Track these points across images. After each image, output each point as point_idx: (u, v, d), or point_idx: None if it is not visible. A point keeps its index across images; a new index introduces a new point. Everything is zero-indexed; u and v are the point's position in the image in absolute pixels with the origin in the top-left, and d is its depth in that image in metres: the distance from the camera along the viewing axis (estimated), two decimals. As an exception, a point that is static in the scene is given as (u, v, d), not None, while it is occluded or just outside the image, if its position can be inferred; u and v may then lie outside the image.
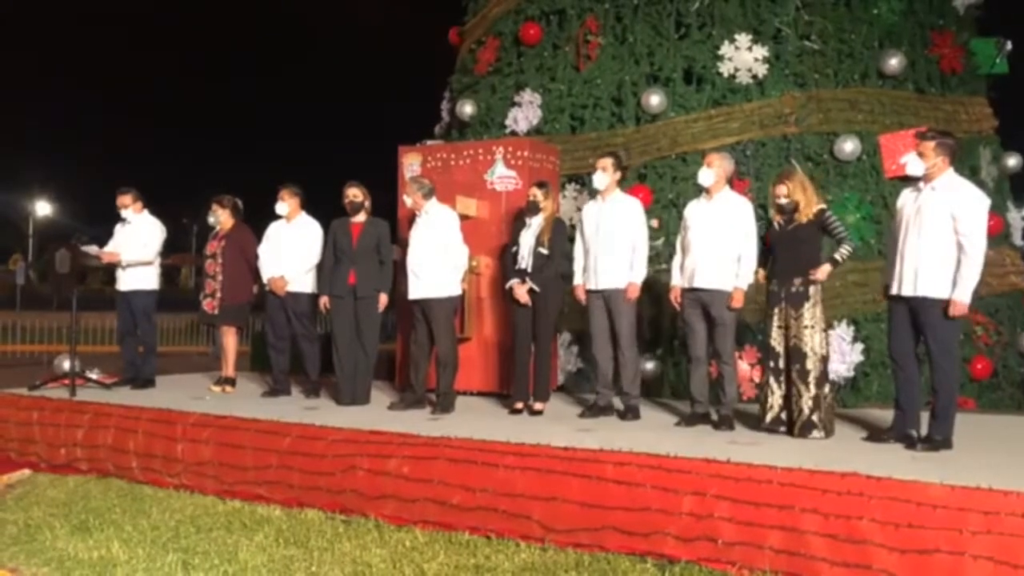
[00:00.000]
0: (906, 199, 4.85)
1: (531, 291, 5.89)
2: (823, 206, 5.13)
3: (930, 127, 5.39)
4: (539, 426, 5.28)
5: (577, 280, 5.91)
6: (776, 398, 5.06)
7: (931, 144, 4.67)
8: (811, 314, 4.99)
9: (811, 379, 4.94)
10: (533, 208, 5.99)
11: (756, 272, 5.34)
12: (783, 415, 5.05)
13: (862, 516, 3.63)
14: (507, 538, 4.37)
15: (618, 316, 5.70)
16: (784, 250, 5.12)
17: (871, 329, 6.76)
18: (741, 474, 3.97)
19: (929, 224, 4.61)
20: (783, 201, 5.11)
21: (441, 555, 4.18)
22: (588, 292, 5.82)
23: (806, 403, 4.93)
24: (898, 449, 4.61)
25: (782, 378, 5.05)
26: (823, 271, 4.99)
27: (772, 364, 5.09)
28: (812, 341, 4.97)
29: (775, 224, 5.23)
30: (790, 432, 4.99)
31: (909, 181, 4.93)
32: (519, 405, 5.98)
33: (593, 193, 6.13)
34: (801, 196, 5.06)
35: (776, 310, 5.09)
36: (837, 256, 5.00)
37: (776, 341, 5.08)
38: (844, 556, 3.64)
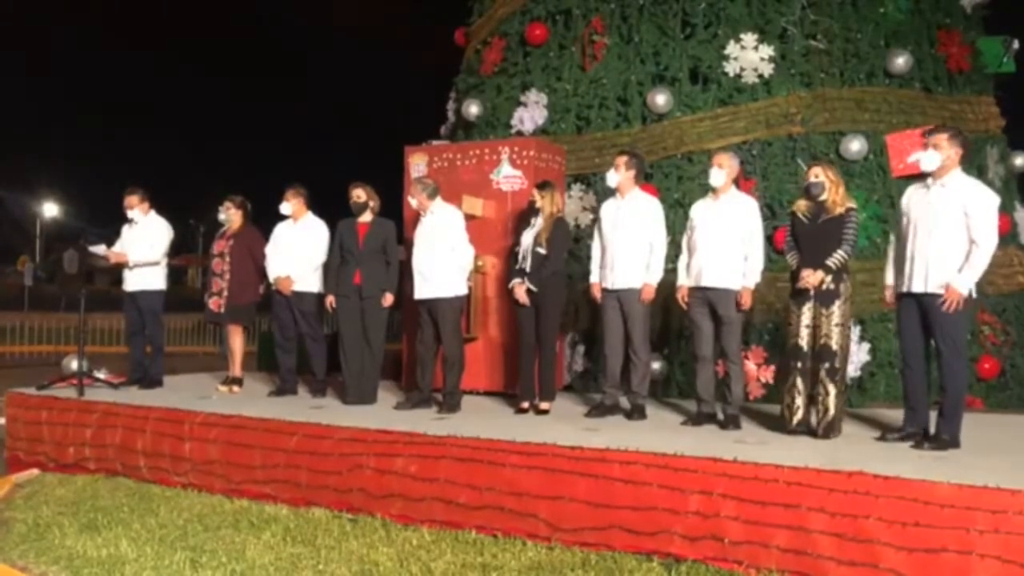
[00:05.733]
0: (913, 197, 4.82)
1: (530, 291, 5.90)
2: (853, 206, 5.03)
3: (937, 125, 5.36)
4: (545, 425, 5.28)
5: (593, 278, 5.90)
6: (803, 399, 4.96)
7: (945, 136, 4.63)
8: (841, 311, 4.89)
9: (838, 378, 4.86)
10: (534, 209, 6.01)
11: (793, 261, 5.10)
12: (809, 417, 4.95)
13: (869, 515, 3.64)
14: (513, 537, 4.39)
15: (631, 317, 5.68)
16: (812, 246, 4.96)
17: (878, 329, 6.75)
18: (748, 473, 3.97)
19: (942, 221, 4.59)
20: (813, 180, 4.99)
21: (448, 554, 4.19)
22: (603, 291, 5.81)
23: (832, 402, 4.86)
24: (905, 448, 4.61)
25: (807, 378, 4.95)
26: (815, 276, 4.88)
27: (800, 365, 4.96)
28: (842, 339, 4.90)
29: (801, 217, 5.08)
30: (813, 433, 4.89)
31: (913, 179, 4.92)
32: (525, 404, 5.98)
33: (607, 192, 6.14)
34: (832, 180, 4.96)
35: (805, 308, 4.97)
36: (830, 262, 4.87)
37: (804, 341, 4.95)
38: (851, 555, 3.64)
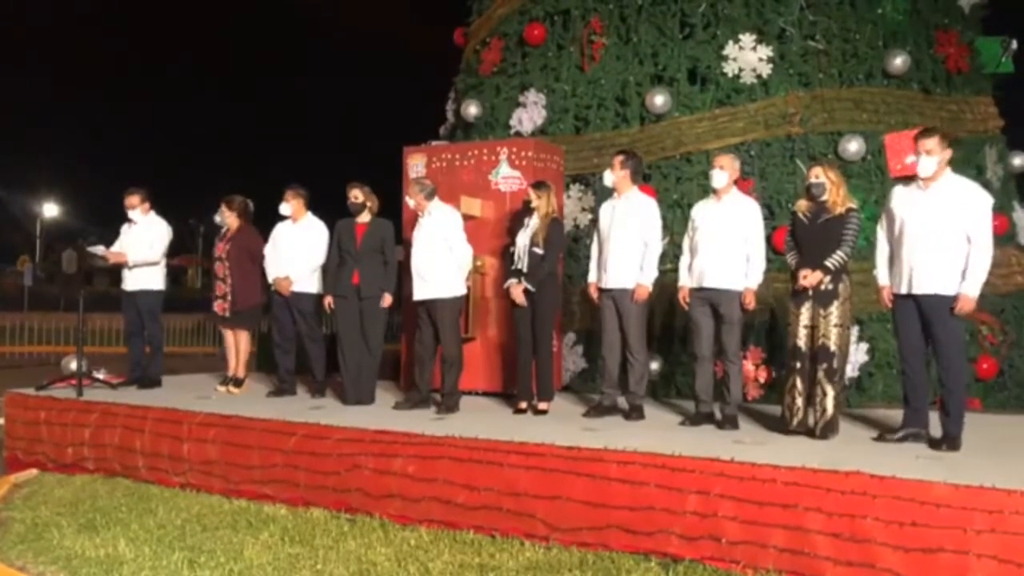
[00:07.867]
0: (903, 198, 4.80)
1: (527, 291, 5.90)
2: (855, 206, 5.02)
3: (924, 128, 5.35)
4: (543, 425, 5.28)
5: (591, 278, 5.91)
6: (802, 400, 4.95)
7: (935, 139, 4.62)
8: (840, 312, 4.88)
9: (836, 378, 4.86)
10: (529, 209, 6.02)
11: (792, 261, 5.09)
12: (808, 418, 4.94)
13: (866, 515, 3.64)
14: (511, 537, 4.39)
15: (626, 317, 5.68)
16: (811, 246, 4.95)
17: (876, 329, 6.75)
18: (745, 473, 3.97)
19: (938, 223, 4.59)
20: (814, 180, 4.98)
21: (445, 554, 4.20)
22: (600, 291, 5.82)
23: (830, 403, 4.85)
24: (902, 448, 4.60)
25: (807, 379, 4.94)
26: (813, 276, 4.88)
27: (799, 365, 4.95)
28: (840, 340, 4.89)
29: (801, 217, 5.08)
30: (811, 434, 4.88)
31: (907, 179, 4.91)
32: (523, 404, 5.99)
33: (606, 192, 6.14)
34: (833, 181, 4.95)
35: (803, 309, 4.96)
36: (828, 263, 4.86)
37: (802, 341, 4.94)
38: (848, 555, 3.64)
